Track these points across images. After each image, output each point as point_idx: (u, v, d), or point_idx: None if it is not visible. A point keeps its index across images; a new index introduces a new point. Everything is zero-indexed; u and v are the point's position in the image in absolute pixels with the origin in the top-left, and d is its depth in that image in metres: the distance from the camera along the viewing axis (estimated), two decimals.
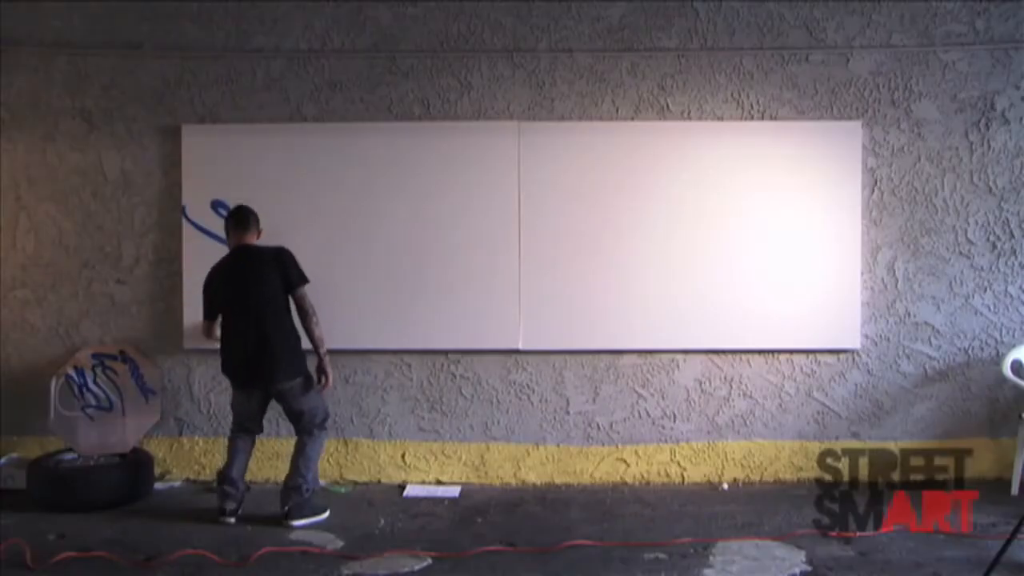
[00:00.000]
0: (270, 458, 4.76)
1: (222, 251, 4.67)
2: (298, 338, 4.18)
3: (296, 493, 4.09)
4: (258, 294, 4.10)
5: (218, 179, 4.70)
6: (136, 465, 4.55)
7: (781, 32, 4.68)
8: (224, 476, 4.16)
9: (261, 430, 4.31)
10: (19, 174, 4.80)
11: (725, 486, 4.71)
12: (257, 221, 4.29)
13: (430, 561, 3.63)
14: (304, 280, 4.17)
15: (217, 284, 4.21)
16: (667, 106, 4.71)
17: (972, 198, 4.69)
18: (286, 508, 4.09)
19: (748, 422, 4.76)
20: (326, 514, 4.19)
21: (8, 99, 4.78)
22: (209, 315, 4.27)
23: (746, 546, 3.79)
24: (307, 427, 4.18)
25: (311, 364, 4.20)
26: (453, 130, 4.71)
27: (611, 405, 4.77)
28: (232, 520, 4.10)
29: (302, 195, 4.66)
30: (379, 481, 4.79)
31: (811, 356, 4.74)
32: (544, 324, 4.69)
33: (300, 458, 4.14)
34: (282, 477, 4.37)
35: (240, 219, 4.26)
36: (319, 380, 4.19)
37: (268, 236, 4.72)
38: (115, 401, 4.70)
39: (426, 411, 4.79)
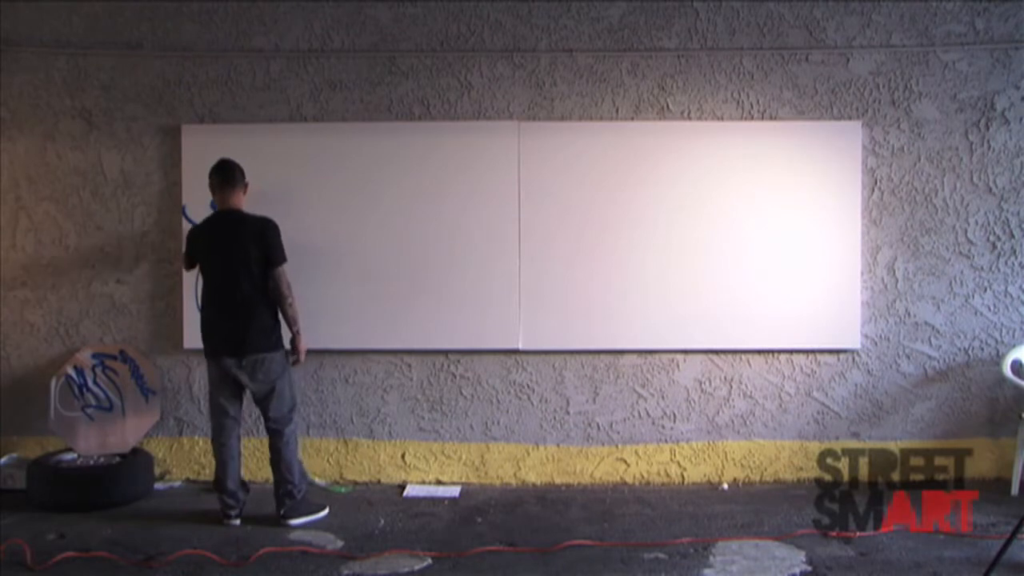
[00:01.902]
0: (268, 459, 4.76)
1: None
2: (275, 318, 4.13)
3: (288, 497, 4.11)
4: (238, 266, 4.03)
5: None
6: (136, 465, 4.55)
7: (781, 32, 4.68)
8: (222, 487, 4.12)
9: (240, 418, 4.20)
10: (19, 174, 4.80)
11: (725, 486, 4.71)
12: (243, 175, 4.19)
13: (430, 561, 3.64)
14: (283, 259, 4.10)
15: (200, 244, 4.17)
16: (667, 106, 4.71)
17: (972, 198, 4.69)
18: (282, 511, 4.11)
19: (748, 422, 4.76)
20: (325, 512, 4.20)
21: (8, 99, 4.78)
22: (189, 265, 4.30)
23: (746, 546, 3.79)
24: (274, 418, 4.11)
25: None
26: (453, 130, 4.71)
27: (611, 405, 4.77)
28: (237, 522, 4.10)
29: (302, 195, 4.66)
30: (379, 481, 4.79)
31: (811, 356, 4.74)
32: (544, 324, 4.69)
33: (280, 464, 4.12)
34: None
35: (225, 175, 4.13)
36: (292, 354, 4.16)
37: None
38: (115, 401, 4.70)
39: (426, 411, 4.79)
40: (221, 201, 4.18)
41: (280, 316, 4.13)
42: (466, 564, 3.61)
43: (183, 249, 4.34)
